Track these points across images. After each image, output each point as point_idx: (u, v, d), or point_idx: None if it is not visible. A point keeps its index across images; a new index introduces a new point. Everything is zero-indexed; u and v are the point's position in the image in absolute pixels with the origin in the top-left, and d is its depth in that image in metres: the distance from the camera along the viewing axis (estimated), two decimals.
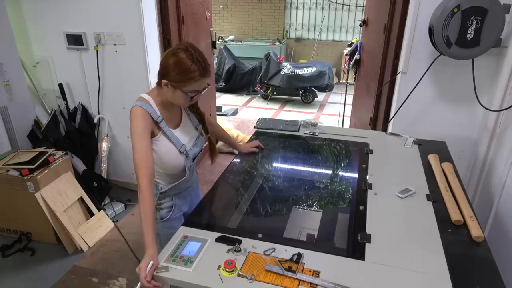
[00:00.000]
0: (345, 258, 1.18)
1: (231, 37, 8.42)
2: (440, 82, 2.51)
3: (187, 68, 1.35)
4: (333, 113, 5.91)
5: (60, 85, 3.24)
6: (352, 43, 5.26)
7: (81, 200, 2.92)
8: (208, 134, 1.72)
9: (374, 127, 3.15)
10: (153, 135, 1.46)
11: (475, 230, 1.32)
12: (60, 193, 2.75)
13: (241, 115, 5.91)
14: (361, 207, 1.45)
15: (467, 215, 1.40)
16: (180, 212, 1.67)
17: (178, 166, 1.56)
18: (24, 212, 2.71)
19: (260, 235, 1.26)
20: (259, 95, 6.95)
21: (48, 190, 2.66)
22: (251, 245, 1.21)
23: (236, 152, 1.99)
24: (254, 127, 2.09)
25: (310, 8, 8.02)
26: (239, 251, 1.18)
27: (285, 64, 6.58)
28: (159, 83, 1.44)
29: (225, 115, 5.66)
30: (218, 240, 1.23)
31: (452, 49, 2.13)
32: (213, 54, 4.25)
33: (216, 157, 1.83)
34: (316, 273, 1.09)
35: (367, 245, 1.23)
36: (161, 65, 1.41)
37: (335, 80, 7.39)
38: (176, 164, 1.55)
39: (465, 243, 1.30)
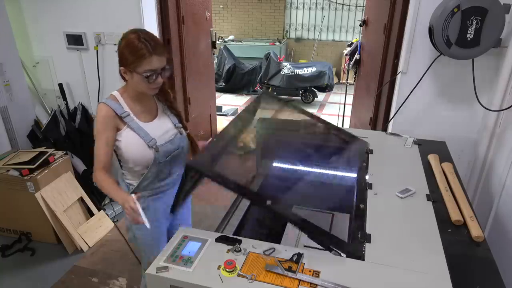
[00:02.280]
0: (345, 258, 1.18)
1: (231, 37, 8.42)
2: (440, 82, 2.51)
3: (135, 47, 1.38)
4: (333, 113, 5.91)
5: (60, 85, 3.24)
6: (352, 43, 5.26)
7: (81, 200, 2.92)
8: (187, 131, 1.69)
9: (374, 127, 3.15)
10: (118, 129, 1.49)
11: (475, 230, 1.32)
12: (60, 193, 2.75)
13: None
14: (361, 206, 1.45)
15: (467, 215, 1.40)
16: (156, 217, 1.61)
17: (147, 160, 1.52)
18: (24, 212, 2.71)
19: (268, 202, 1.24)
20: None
21: (48, 190, 2.66)
22: (251, 245, 1.21)
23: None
24: (254, 127, 2.09)
25: (310, 8, 8.02)
26: (239, 251, 1.17)
27: (285, 64, 6.58)
28: (120, 74, 1.49)
29: (225, 115, 5.65)
30: (218, 240, 1.23)
31: (452, 49, 2.13)
32: (213, 54, 4.25)
33: (197, 154, 1.79)
34: (316, 273, 1.09)
35: (367, 245, 1.23)
36: (118, 55, 1.46)
37: (335, 80, 7.38)
38: (141, 158, 1.52)
39: (465, 243, 1.30)
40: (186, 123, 1.70)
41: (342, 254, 1.21)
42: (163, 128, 1.58)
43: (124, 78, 1.49)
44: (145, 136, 1.50)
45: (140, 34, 1.40)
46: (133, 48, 1.39)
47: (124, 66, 1.44)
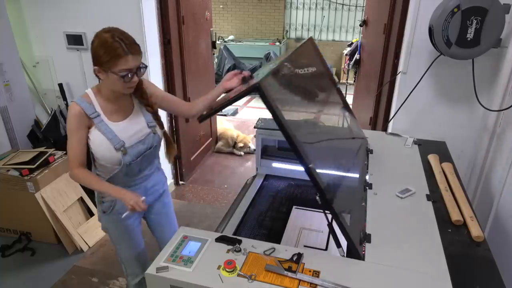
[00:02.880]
0: (345, 258, 1.18)
1: (231, 37, 8.42)
2: (440, 82, 2.52)
3: (110, 46, 1.36)
4: None
5: (60, 85, 3.24)
6: (352, 43, 5.26)
7: (81, 200, 2.92)
8: (163, 129, 1.66)
9: (374, 127, 3.16)
10: (89, 127, 1.50)
11: (475, 230, 1.32)
12: (60, 193, 2.75)
13: (241, 115, 5.91)
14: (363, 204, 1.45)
15: (467, 215, 1.40)
16: (124, 209, 1.53)
17: (115, 161, 1.52)
18: (24, 212, 2.72)
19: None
20: (259, 95, 6.95)
21: (48, 190, 2.66)
22: (251, 245, 1.21)
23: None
24: (254, 127, 2.09)
25: (310, 8, 8.02)
26: (239, 251, 1.18)
27: (285, 64, 6.57)
28: (95, 73, 1.46)
29: (225, 115, 5.66)
30: (218, 240, 1.23)
31: (452, 49, 2.13)
32: (213, 54, 4.25)
33: (172, 155, 1.78)
34: (316, 273, 1.09)
35: (367, 245, 1.23)
36: (91, 54, 1.45)
37: (335, 80, 7.37)
38: (110, 159, 1.51)
39: (465, 243, 1.30)
40: (161, 121, 1.66)
41: (342, 254, 1.21)
42: (134, 128, 1.55)
43: (98, 77, 1.48)
44: (113, 138, 1.48)
45: (115, 33, 1.38)
46: (108, 48, 1.36)
47: (98, 66, 1.42)
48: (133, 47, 1.39)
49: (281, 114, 1.07)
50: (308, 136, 1.28)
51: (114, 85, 1.44)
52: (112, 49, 1.36)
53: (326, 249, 1.54)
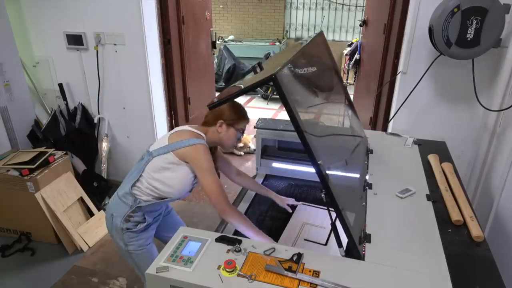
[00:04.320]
0: (345, 258, 1.18)
1: (231, 37, 8.42)
2: (440, 82, 2.52)
3: (240, 108, 1.63)
4: None
5: (60, 85, 3.24)
6: (352, 43, 5.27)
7: (81, 200, 2.92)
8: None
9: (374, 127, 3.16)
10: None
11: (475, 230, 1.32)
12: (60, 193, 2.75)
13: None
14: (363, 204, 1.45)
15: (467, 215, 1.40)
16: (147, 227, 1.68)
17: (177, 196, 1.62)
18: (24, 212, 2.72)
19: None
20: (259, 95, 6.94)
21: (48, 190, 2.66)
22: (251, 245, 1.21)
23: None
24: (254, 127, 2.09)
25: (310, 8, 8.02)
26: (239, 251, 1.18)
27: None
28: (211, 124, 1.61)
29: None
30: (218, 240, 1.23)
31: (452, 49, 2.13)
32: (213, 54, 4.25)
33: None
34: (316, 273, 1.09)
35: (367, 245, 1.23)
36: (219, 111, 1.61)
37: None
38: (184, 191, 1.61)
39: (465, 243, 1.30)
40: None
41: (343, 254, 1.21)
42: None
43: (209, 125, 1.63)
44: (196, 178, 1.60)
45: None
46: (238, 108, 1.62)
47: (224, 120, 1.59)
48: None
49: (295, 109, 1.07)
50: (317, 133, 1.29)
51: (229, 139, 1.63)
52: (241, 110, 1.63)
53: (326, 244, 1.56)
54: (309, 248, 1.51)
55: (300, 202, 1.86)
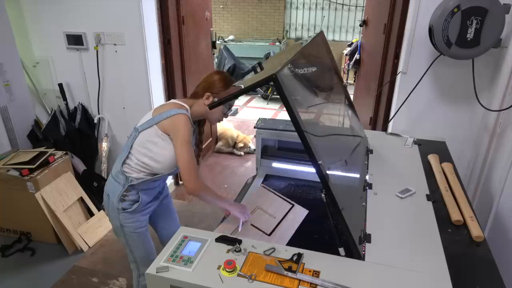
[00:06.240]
0: (345, 258, 1.18)
1: (231, 37, 8.42)
2: (440, 82, 2.52)
3: (229, 80, 1.61)
4: None
5: (60, 85, 3.23)
6: (352, 43, 5.27)
7: (81, 200, 2.92)
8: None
9: (374, 127, 3.16)
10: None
11: (475, 230, 1.32)
12: (60, 193, 2.75)
13: (241, 115, 5.91)
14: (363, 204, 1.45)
15: (467, 215, 1.40)
16: (144, 208, 1.69)
17: (168, 170, 1.61)
18: (24, 212, 2.72)
19: None
20: (259, 95, 6.94)
21: (48, 190, 2.66)
22: (251, 245, 1.21)
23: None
24: (254, 127, 2.09)
25: (310, 8, 8.02)
26: (239, 251, 1.18)
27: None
28: (200, 95, 1.59)
29: None
30: (218, 240, 1.24)
31: (452, 49, 2.13)
32: (213, 54, 4.25)
33: None
34: (316, 273, 1.09)
35: (367, 245, 1.23)
36: (205, 82, 1.62)
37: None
38: (173, 166, 1.59)
39: (465, 243, 1.30)
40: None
41: (342, 254, 1.21)
42: None
43: (196, 97, 1.62)
44: None
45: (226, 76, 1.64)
46: (227, 80, 1.60)
47: (212, 93, 1.57)
48: None
49: (296, 108, 1.08)
50: (317, 133, 1.29)
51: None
52: (230, 82, 1.60)
53: (269, 234, 1.55)
54: (253, 234, 1.52)
55: (261, 185, 1.85)
